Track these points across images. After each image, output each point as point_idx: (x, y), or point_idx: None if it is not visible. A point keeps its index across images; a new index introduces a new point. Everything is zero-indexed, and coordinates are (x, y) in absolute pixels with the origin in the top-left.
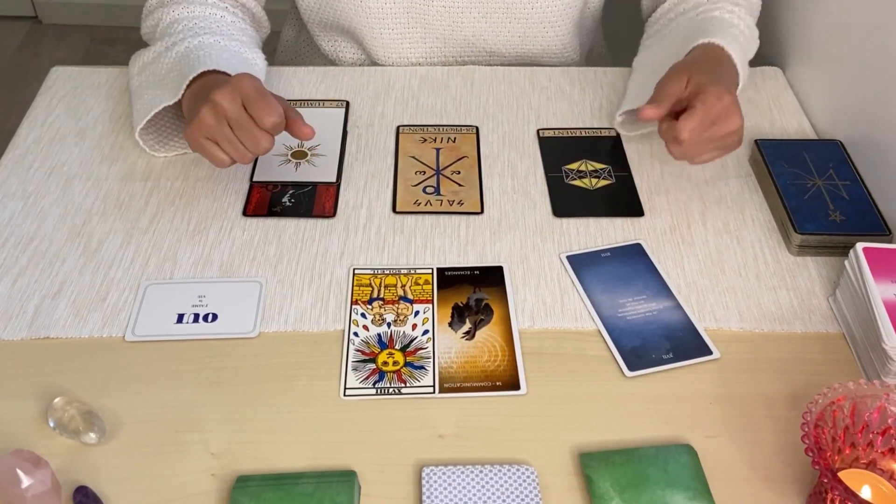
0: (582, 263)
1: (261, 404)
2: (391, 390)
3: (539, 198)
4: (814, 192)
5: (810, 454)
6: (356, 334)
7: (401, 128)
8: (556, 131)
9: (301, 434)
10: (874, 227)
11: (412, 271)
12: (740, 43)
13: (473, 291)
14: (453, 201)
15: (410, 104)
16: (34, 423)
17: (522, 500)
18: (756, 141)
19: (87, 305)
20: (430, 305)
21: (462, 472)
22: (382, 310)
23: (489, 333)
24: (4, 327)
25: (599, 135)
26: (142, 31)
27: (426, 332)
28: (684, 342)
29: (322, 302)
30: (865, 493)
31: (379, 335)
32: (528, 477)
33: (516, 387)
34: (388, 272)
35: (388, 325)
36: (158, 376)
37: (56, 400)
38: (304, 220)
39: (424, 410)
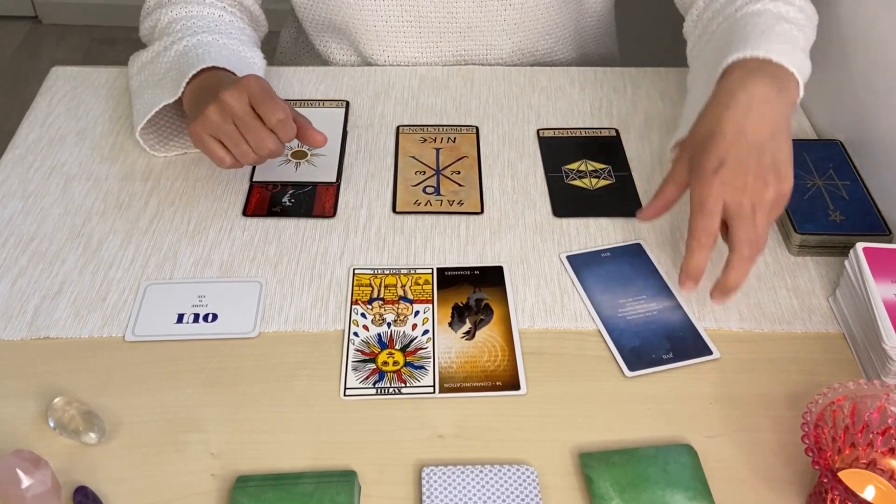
0: (582, 263)
1: (261, 404)
2: (391, 390)
3: (539, 198)
4: (814, 192)
5: (810, 454)
6: (356, 334)
7: (401, 128)
8: (556, 131)
9: (301, 434)
10: (874, 227)
11: (412, 271)
12: (790, 38)
13: (473, 291)
14: (453, 201)
15: (410, 104)
16: (34, 423)
17: (522, 500)
18: None
19: (87, 305)
20: (430, 305)
21: (462, 472)
22: (382, 310)
23: (489, 333)
24: (4, 327)
25: (599, 135)
26: (140, 32)
27: (426, 332)
28: (684, 342)
29: (322, 302)
30: (868, 493)
31: (379, 335)
32: (528, 477)
33: (516, 387)
34: (388, 272)
35: (388, 325)
36: (158, 376)
37: (56, 400)
38: (304, 220)
39: (424, 410)
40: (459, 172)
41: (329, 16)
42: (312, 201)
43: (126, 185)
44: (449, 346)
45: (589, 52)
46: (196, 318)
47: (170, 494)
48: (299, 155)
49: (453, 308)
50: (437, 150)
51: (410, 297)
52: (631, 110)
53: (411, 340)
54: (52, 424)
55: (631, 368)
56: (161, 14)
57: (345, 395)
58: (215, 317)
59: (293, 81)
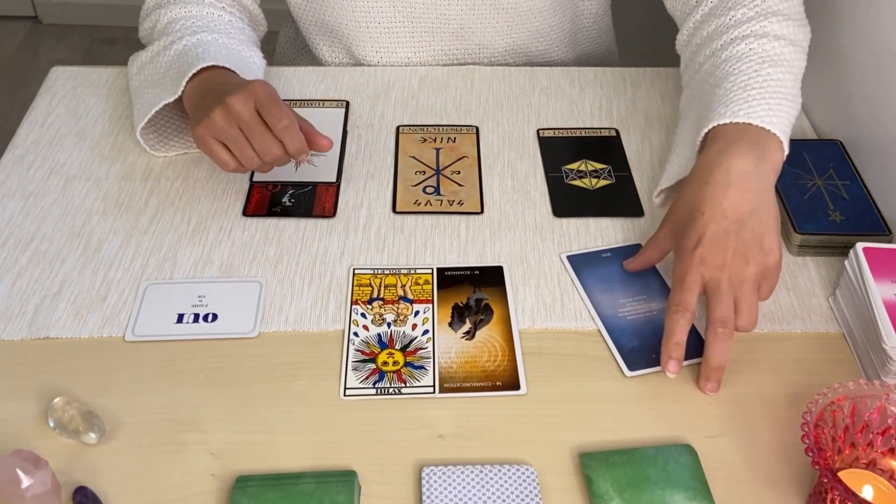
0: (582, 263)
1: (261, 404)
2: (391, 390)
3: (539, 198)
4: (814, 192)
5: (810, 454)
6: (356, 334)
7: (401, 128)
8: (556, 131)
9: (301, 434)
10: (874, 227)
11: (412, 271)
12: (775, 87)
13: (473, 291)
14: (453, 201)
15: (410, 104)
16: (34, 423)
17: (522, 500)
18: None
19: (87, 305)
20: (430, 305)
21: (462, 472)
22: (382, 310)
23: (489, 333)
24: (4, 327)
25: (599, 135)
26: (140, 33)
27: (426, 332)
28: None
29: (322, 302)
30: (867, 493)
31: (379, 335)
32: (528, 477)
33: (516, 387)
34: (388, 272)
35: (388, 325)
36: (158, 376)
37: (56, 400)
38: (304, 220)
39: (424, 410)
40: (459, 172)
41: (322, 16)
42: (312, 201)
43: (126, 185)
44: (449, 346)
45: (586, 52)
46: (196, 318)
47: (170, 494)
48: None
49: (453, 308)
50: (437, 150)
51: (410, 297)
52: (631, 110)
53: (411, 340)
54: (52, 424)
55: (631, 368)
56: (160, 14)
57: (345, 395)
58: (215, 317)
59: (293, 81)
